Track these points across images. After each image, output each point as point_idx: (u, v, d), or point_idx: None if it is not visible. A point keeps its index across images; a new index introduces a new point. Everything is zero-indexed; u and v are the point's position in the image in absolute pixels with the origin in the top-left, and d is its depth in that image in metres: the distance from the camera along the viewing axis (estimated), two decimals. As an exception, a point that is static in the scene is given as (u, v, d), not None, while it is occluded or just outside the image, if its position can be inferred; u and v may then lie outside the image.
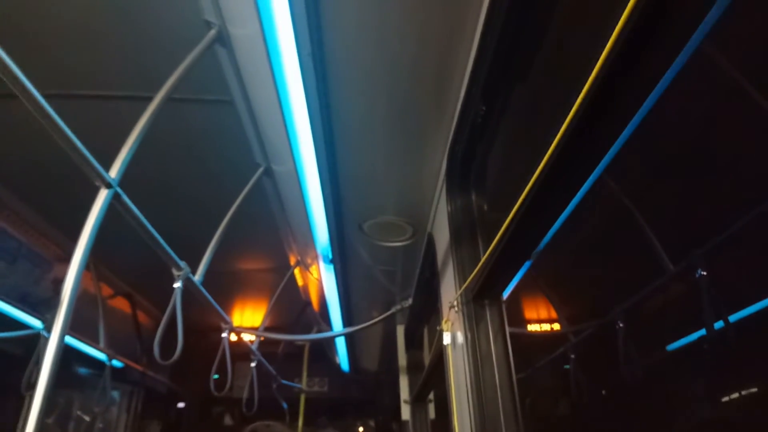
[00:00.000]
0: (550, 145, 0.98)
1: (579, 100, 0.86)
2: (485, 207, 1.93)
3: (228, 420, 6.41)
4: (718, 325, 2.39)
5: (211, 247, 2.28)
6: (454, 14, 1.49)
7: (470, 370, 1.62)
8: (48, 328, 1.46)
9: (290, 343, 5.74)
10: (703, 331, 2.59)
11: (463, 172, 1.96)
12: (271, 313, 4.12)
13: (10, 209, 3.03)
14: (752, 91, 1.92)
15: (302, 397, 5.46)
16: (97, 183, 1.33)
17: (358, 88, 1.77)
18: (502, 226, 1.31)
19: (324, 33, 1.52)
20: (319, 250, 2.97)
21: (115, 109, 2.22)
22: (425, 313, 3.53)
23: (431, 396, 4.02)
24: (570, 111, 0.89)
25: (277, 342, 5.53)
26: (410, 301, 2.84)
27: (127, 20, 1.86)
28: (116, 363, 4.12)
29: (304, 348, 5.74)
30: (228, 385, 2.82)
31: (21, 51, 1.04)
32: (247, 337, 3.55)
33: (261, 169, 2.33)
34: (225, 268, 4.09)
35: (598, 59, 0.78)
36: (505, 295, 1.75)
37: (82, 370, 4.24)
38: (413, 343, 4.30)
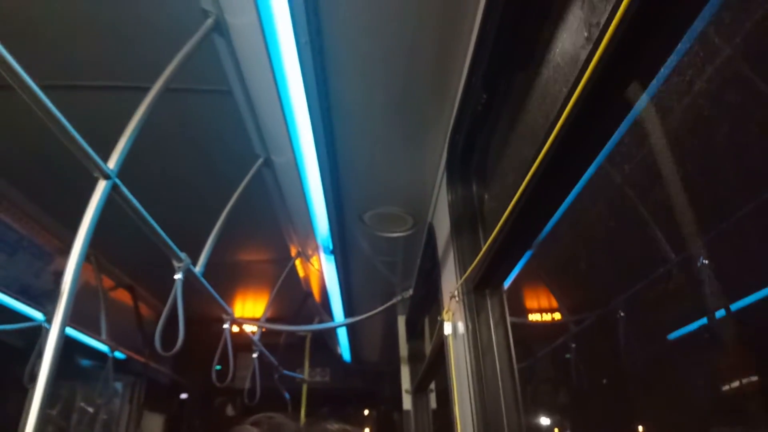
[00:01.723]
0: (551, 133, 0.97)
1: (579, 87, 0.84)
2: (486, 196, 1.92)
3: (230, 410, 6.45)
4: (720, 314, 2.39)
5: (212, 238, 2.27)
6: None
7: (471, 359, 1.62)
8: (49, 320, 1.46)
9: (292, 333, 5.76)
10: (704, 320, 2.60)
11: (463, 162, 1.95)
12: (273, 303, 4.13)
13: (9, 201, 3.03)
14: (755, 80, 1.90)
15: (304, 387, 5.48)
16: (96, 174, 1.32)
17: (357, 76, 1.76)
18: (502, 215, 1.31)
19: (322, 21, 1.51)
20: (319, 241, 2.96)
21: (113, 100, 2.20)
22: (426, 304, 3.53)
23: (432, 386, 4.03)
24: (571, 98, 0.88)
25: (279, 333, 5.55)
26: (411, 291, 2.84)
27: (123, 9, 1.83)
28: (118, 354, 4.14)
29: (306, 338, 5.75)
30: (230, 376, 2.83)
31: (16, 42, 1.03)
32: (249, 328, 3.56)
33: (260, 160, 2.32)
34: (226, 259, 4.09)
35: (600, 44, 0.77)
36: (506, 284, 1.75)
37: (85, 362, 4.26)
38: (414, 333, 4.32)
